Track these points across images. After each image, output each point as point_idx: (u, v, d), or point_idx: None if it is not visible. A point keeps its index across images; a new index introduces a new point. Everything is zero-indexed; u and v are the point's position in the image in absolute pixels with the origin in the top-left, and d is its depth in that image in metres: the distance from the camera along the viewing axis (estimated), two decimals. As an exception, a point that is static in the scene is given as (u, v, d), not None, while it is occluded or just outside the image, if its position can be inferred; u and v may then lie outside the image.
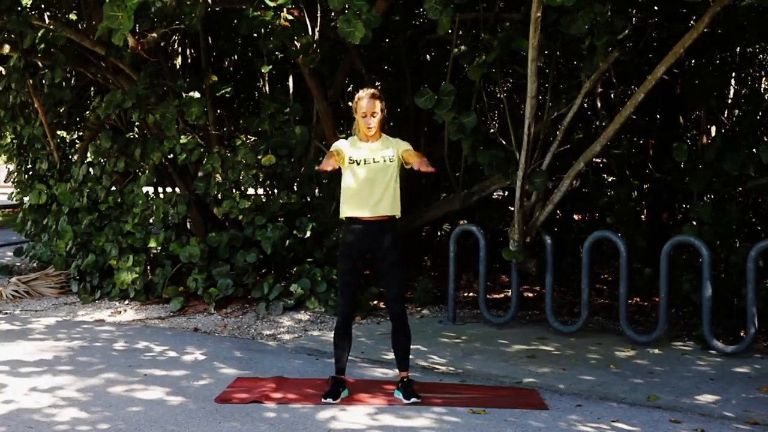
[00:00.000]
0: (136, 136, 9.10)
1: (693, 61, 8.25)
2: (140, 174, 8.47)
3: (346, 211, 4.67)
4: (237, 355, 5.77)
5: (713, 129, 8.88)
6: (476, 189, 7.40)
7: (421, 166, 4.55)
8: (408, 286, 7.93)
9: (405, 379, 4.70)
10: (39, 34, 7.52)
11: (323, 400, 4.60)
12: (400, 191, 4.69)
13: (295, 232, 7.40)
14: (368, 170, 4.61)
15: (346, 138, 4.94)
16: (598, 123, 7.86)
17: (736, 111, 9.20)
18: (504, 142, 6.79)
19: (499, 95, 8.68)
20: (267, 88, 8.22)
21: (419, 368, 5.39)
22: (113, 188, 8.48)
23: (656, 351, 5.86)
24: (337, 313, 4.87)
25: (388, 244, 4.63)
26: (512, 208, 6.91)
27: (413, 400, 4.56)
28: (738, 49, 8.85)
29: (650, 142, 8.75)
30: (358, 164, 4.62)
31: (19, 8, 7.38)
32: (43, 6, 7.79)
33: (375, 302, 7.29)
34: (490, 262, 6.84)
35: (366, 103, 4.60)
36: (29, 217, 9.64)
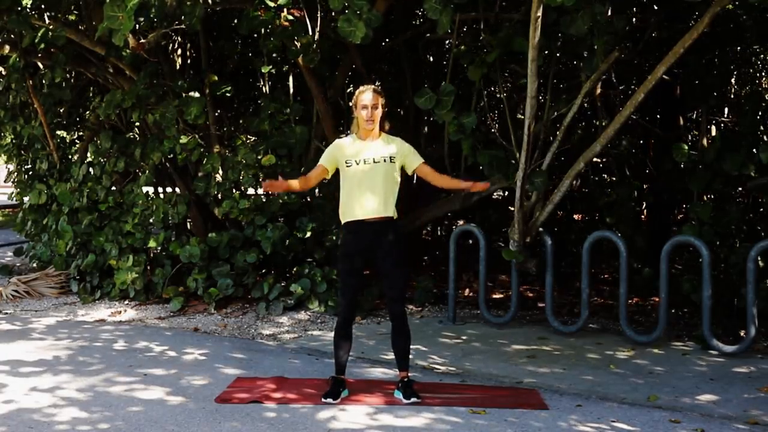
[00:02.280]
0: (136, 136, 9.10)
1: (693, 61, 8.24)
2: (140, 174, 8.47)
3: (347, 212, 4.62)
4: (237, 355, 5.77)
5: (713, 129, 8.89)
6: (476, 189, 7.39)
7: (452, 184, 4.79)
8: (408, 286, 7.93)
9: (405, 379, 4.70)
10: (39, 34, 7.52)
11: (323, 399, 4.60)
12: (398, 191, 4.68)
13: (295, 232, 7.39)
14: (369, 170, 4.56)
15: (346, 136, 4.90)
16: (598, 123, 7.86)
17: (736, 111, 9.20)
18: (504, 142, 6.79)
19: (499, 95, 8.67)
20: (267, 88, 8.22)
21: (419, 368, 5.39)
22: (113, 188, 8.48)
23: (656, 351, 5.86)
24: (338, 313, 4.86)
25: (389, 244, 4.60)
26: (512, 208, 6.91)
27: (413, 400, 4.56)
28: (738, 49, 8.84)
29: (650, 142, 8.75)
30: (357, 164, 4.59)
31: (19, 8, 7.38)
32: (43, 6, 7.79)
33: (375, 302, 7.29)
34: (490, 262, 6.84)
35: (367, 96, 4.58)
36: (29, 217, 9.64)
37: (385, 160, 4.59)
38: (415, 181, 8.73)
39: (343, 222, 4.67)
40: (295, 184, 4.80)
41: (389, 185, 4.60)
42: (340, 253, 4.74)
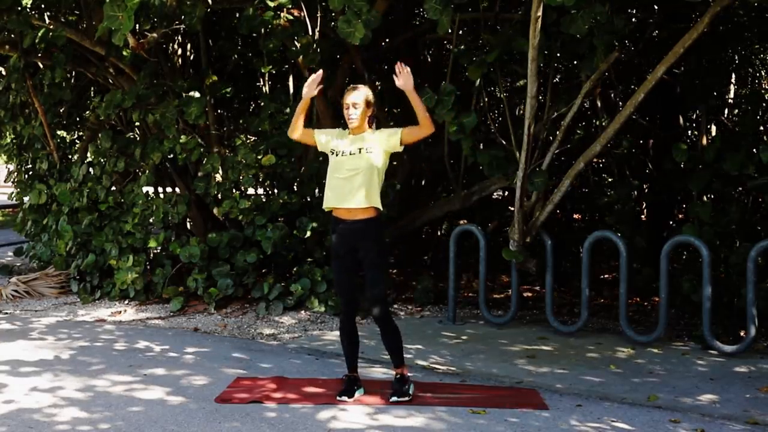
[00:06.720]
0: (136, 136, 9.09)
1: (693, 61, 8.24)
2: (140, 174, 8.47)
3: (328, 201, 4.67)
4: (237, 355, 5.77)
5: (713, 129, 8.89)
6: (476, 189, 7.40)
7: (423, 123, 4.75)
8: (407, 286, 7.93)
9: (398, 376, 4.71)
10: (39, 34, 7.52)
11: (338, 398, 4.58)
12: (382, 185, 4.68)
13: (295, 232, 7.40)
14: (348, 161, 4.61)
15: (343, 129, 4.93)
16: (598, 123, 7.86)
17: (736, 111, 9.20)
18: (504, 142, 6.79)
19: (499, 95, 8.67)
20: (267, 88, 8.22)
21: (419, 368, 5.39)
22: (113, 188, 8.47)
23: (656, 351, 5.86)
24: (338, 312, 4.86)
25: (369, 243, 4.58)
26: (512, 208, 6.91)
27: (394, 399, 4.56)
28: (738, 49, 8.85)
29: (650, 142, 8.75)
30: (339, 155, 4.66)
31: (19, 8, 7.38)
32: (43, 6, 7.79)
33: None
34: (490, 262, 6.84)
35: (347, 96, 4.67)
36: (29, 217, 9.64)
37: (361, 152, 4.62)
38: (414, 182, 8.72)
39: (324, 207, 4.72)
40: (301, 119, 4.94)
41: (367, 177, 4.57)
42: (331, 253, 4.78)
